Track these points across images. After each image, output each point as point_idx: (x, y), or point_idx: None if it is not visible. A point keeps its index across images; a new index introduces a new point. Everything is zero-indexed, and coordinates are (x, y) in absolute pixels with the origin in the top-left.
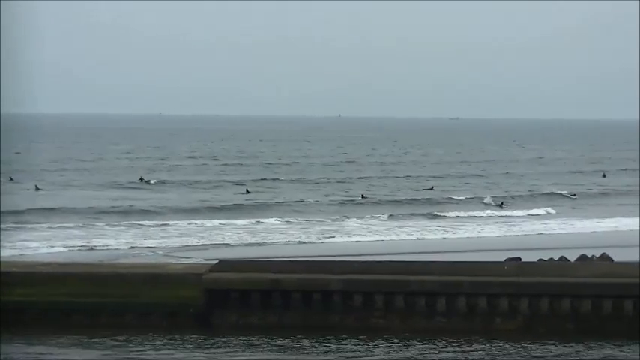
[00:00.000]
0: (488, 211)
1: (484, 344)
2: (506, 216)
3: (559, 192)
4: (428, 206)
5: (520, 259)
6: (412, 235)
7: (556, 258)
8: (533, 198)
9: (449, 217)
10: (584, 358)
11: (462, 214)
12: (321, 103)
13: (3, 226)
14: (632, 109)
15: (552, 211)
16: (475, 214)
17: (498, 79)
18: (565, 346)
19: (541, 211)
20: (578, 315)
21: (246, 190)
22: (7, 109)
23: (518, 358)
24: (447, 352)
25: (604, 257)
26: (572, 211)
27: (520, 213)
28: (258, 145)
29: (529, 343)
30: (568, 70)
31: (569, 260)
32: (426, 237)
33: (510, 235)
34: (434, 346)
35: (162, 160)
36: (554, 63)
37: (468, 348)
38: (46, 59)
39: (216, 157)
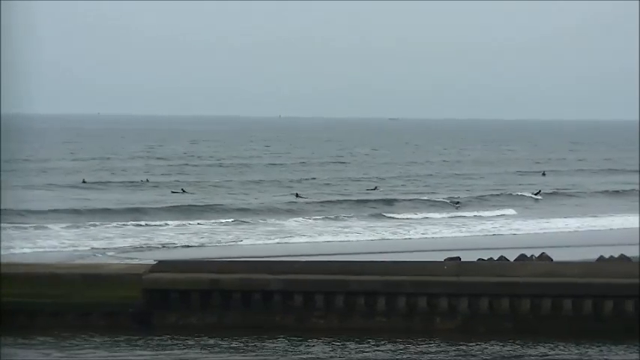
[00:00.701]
0: (443, 213)
1: (423, 344)
2: (460, 216)
3: (521, 193)
4: (371, 207)
5: (460, 259)
6: (357, 235)
7: (496, 258)
8: (488, 198)
9: (396, 217)
10: (521, 357)
11: (408, 215)
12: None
13: None
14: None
15: (512, 212)
16: (424, 215)
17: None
18: (503, 346)
19: (497, 212)
20: (516, 315)
21: (182, 190)
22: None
23: (458, 357)
24: (387, 352)
25: (543, 257)
26: (528, 212)
27: (474, 213)
28: (216, 146)
29: (468, 343)
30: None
31: (508, 260)
32: (369, 238)
33: (459, 236)
34: (373, 346)
35: (108, 159)
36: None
37: (408, 348)
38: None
39: (163, 157)
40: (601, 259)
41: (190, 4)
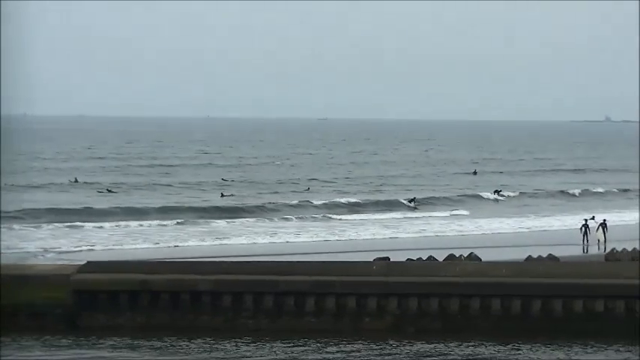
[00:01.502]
0: (393, 213)
1: (353, 344)
2: (413, 217)
3: (479, 193)
4: (306, 208)
5: (389, 259)
6: (292, 236)
7: (425, 258)
8: (442, 199)
9: (334, 218)
10: (450, 356)
11: (347, 216)
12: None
13: None
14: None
15: (465, 212)
16: (363, 217)
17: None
18: (432, 345)
19: (451, 213)
20: (445, 314)
21: (107, 190)
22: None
23: (387, 357)
24: (315, 352)
25: (472, 257)
26: (480, 212)
27: (430, 214)
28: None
29: (397, 343)
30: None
31: (437, 260)
32: (305, 239)
33: (398, 237)
34: (302, 347)
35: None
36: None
37: (337, 348)
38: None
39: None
40: (529, 258)
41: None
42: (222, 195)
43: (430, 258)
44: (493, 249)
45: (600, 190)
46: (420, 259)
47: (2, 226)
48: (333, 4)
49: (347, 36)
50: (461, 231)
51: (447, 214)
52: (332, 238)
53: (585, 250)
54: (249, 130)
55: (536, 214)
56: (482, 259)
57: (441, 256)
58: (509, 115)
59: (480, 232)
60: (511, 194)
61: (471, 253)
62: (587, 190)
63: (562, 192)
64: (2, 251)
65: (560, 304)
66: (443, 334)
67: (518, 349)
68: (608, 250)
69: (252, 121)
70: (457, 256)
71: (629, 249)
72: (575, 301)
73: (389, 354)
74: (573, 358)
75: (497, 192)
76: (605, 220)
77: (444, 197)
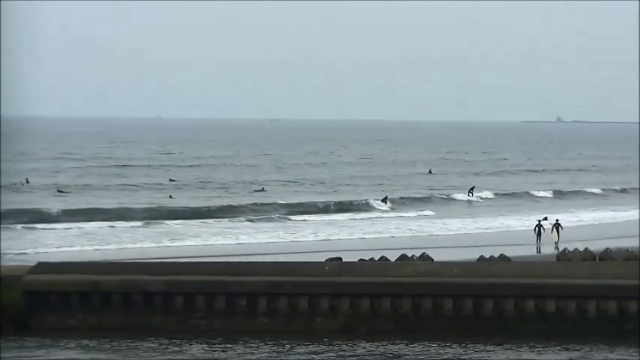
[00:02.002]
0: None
1: (305, 344)
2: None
3: (449, 193)
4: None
5: (341, 259)
6: (247, 237)
7: (377, 258)
8: (413, 200)
9: (291, 219)
10: (402, 356)
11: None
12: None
13: None
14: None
15: (431, 213)
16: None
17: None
18: (385, 346)
19: (418, 213)
20: (397, 314)
21: (58, 190)
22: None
23: (339, 358)
24: (268, 352)
25: (424, 257)
26: (447, 212)
27: (398, 214)
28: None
29: (350, 343)
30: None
31: (389, 260)
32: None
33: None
34: (254, 347)
35: None
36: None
37: (289, 348)
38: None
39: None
40: (481, 259)
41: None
42: (171, 197)
43: (382, 258)
44: (446, 249)
45: (567, 189)
46: (372, 259)
47: None
48: (276, 4)
49: (297, 37)
50: (420, 231)
51: (414, 214)
52: (288, 238)
53: (538, 250)
54: (201, 130)
55: (503, 215)
56: (435, 260)
57: (393, 257)
58: (462, 116)
59: (440, 233)
60: (482, 195)
61: (423, 253)
62: (560, 190)
63: (527, 193)
64: None
65: (512, 304)
66: (395, 334)
67: (470, 349)
68: (561, 250)
69: (203, 121)
70: (409, 256)
71: (581, 249)
72: (527, 301)
73: (341, 354)
74: (524, 357)
75: (471, 191)
76: (558, 221)
77: (415, 197)
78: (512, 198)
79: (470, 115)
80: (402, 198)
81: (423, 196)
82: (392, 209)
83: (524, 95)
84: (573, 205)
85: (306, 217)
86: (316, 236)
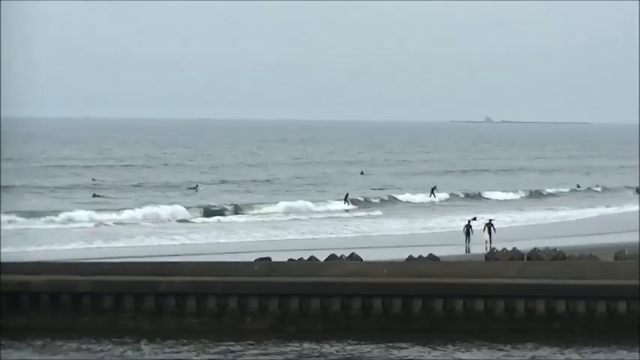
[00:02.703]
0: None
1: (234, 344)
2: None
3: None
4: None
5: (270, 259)
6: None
7: (307, 258)
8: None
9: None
10: (330, 356)
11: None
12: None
13: None
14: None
15: (379, 213)
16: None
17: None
18: (313, 346)
19: (368, 213)
20: (327, 314)
21: None
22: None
23: (267, 358)
24: (196, 352)
25: (353, 257)
26: (394, 213)
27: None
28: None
29: (279, 343)
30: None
31: (319, 260)
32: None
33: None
34: (183, 347)
35: None
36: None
37: (218, 348)
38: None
39: None
40: (410, 258)
41: None
42: (95, 195)
43: (312, 258)
44: (376, 249)
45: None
46: (301, 259)
47: None
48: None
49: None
50: (356, 231)
51: (364, 213)
52: (221, 239)
53: (467, 251)
54: (129, 130)
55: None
56: (364, 259)
57: (323, 257)
58: (389, 115)
59: (375, 233)
60: (440, 196)
61: (352, 253)
62: (517, 191)
63: (479, 194)
64: None
65: (441, 304)
66: (324, 335)
67: (399, 349)
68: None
69: (130, 121)
70: (338, 256)
71: (509, 249)
72: (456, 301)
73: (270, 354)
74: (454, 357)
75: (432, 192)
76: (491, 221)
77: (372, 198)
78: (469, 199)
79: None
80: (358, 199)
81: (381, 195)
82: (355, 209)
83: (454, 95)
84: (517, 206)
85: (238, 217)
86: (248, 236)
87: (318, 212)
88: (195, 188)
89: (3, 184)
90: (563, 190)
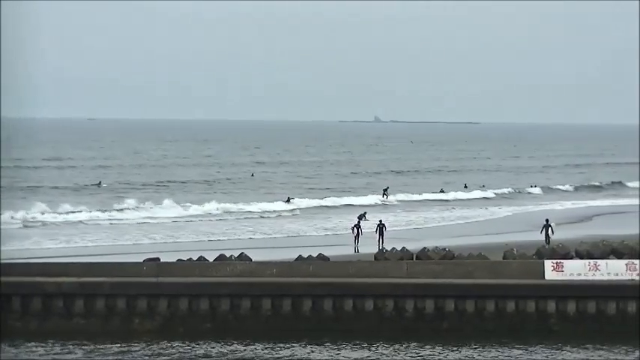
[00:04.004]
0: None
1: (122, 345)
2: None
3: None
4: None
5: (159, 260)
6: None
7: (196, 258)
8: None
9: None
10: (220, 356)
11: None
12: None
13: None
14: None
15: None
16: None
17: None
18: (202, 346)
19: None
20: (216, 315)
21: None
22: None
23: (155, 358)
24: (83, 353)
25: (243, 257)
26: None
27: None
28: None
29: (168, 343)
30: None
31: (208, 260)
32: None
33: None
34: (70, 347)
35: None
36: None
37: (106, 349)
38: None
39: None
40: (300, 258)
41: None
42: None
43: (201, 258)
44: (267, 250)
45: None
46: (190, 259)
47: None
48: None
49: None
50: (252, 232)
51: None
52: (108, 240)
53: (356, 250)
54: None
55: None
56: (254, 260)
57: (212, 257)
58: (277, 116)
59: (278, 235)
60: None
61: (242, 253)
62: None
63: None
64: None
65: (331, 303)
66: (213, 335)
67: (288, 348)
68: (387, 250)
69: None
70: (228, 256)
71: (399, 248)
72: (345, 301)
73: (157, 355)
74: (343, 356)
75: (385, 193)
76: (381, 221)
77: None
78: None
79: (288, 116)
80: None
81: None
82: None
83: (343, 95)
84: (414, 207)
85: (127, 216)
86: (138, 237)
87: (211, 214)
88: (99, 184)
89: None
90: (455, 191)
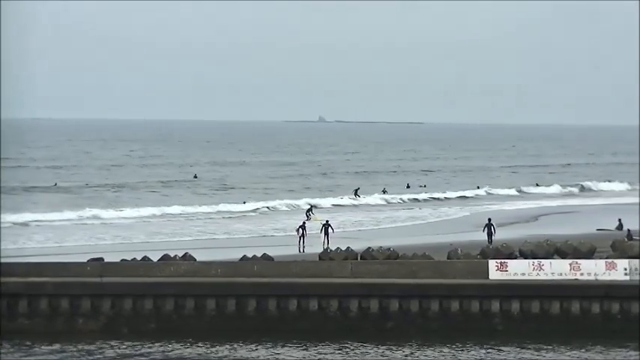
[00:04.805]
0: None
1: (65, 345)
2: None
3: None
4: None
5: (103, 260)
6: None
7: (140, 258)
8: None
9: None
10: (164, 355)
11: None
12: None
13: None
14: None
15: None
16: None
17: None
18: (145, 346)
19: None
20: (160, 314)
21: None
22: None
23: (98, 358)
24: (25, 353)
25: (187, 257)
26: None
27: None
28: None
29: (110, 344)
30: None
31: (152, 260)
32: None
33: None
34: (13, 348)
35: None
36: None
37: (48, 349)
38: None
39: None
40: (244, 258)
41: None
42: None
43: (145, 258)
44: (212, 250)
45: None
46: (134, 259)
47: None
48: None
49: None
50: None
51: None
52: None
53: (301, 250)
54: None
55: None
56: (198, 259)
57: (157, 257)
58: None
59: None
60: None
61: (186, 253)
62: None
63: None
64: None
65: (275, 303)
66: (157, 335)
67: (234, 348)
68: (333, 250)
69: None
70: (172, 256)
71: (343, 248)
72: (290, 300)
73: (101, 355)
74: (287, 355)
75: (356, 193)
76: (328, 222)
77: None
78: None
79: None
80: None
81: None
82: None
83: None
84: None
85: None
86: (84, 238)
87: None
88: (56, 184)
89: None
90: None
